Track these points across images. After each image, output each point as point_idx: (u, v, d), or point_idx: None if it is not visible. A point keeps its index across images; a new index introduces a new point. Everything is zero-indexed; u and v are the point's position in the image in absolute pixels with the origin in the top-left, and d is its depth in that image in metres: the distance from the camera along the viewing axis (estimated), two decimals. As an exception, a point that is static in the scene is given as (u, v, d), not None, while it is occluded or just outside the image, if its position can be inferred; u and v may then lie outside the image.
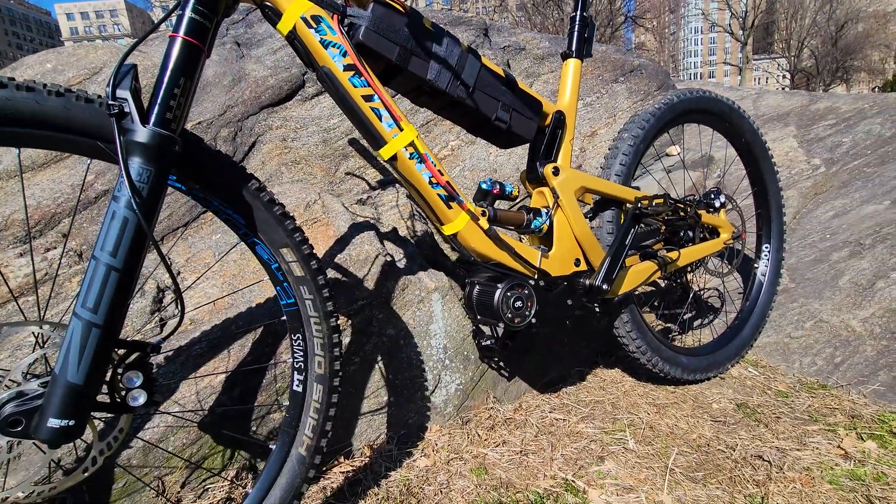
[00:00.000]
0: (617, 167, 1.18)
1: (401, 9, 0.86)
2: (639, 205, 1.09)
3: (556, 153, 1.08)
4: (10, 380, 0.62)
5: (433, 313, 1.27)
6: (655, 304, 1.78)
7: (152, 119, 0.62)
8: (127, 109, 0.61)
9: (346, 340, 1.15)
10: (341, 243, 1.27)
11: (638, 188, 2.07)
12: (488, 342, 1.20)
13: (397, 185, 1.59)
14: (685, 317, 1.68)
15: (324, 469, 1.08)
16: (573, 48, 1.12)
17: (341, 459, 1.11)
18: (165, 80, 0.63)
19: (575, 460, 1.11)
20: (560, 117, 1.06)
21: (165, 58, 0.64)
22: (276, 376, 1.06)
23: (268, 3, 0.78)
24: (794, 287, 1.64)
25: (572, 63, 1.12)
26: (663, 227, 1.24)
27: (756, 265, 1.55)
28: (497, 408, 1.30)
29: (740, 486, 1.01)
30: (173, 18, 0.66)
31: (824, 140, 2.52)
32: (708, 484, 1.02)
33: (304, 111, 1.65)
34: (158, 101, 0.63)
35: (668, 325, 1.68)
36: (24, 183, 1.17)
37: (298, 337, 0.83)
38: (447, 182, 0.91)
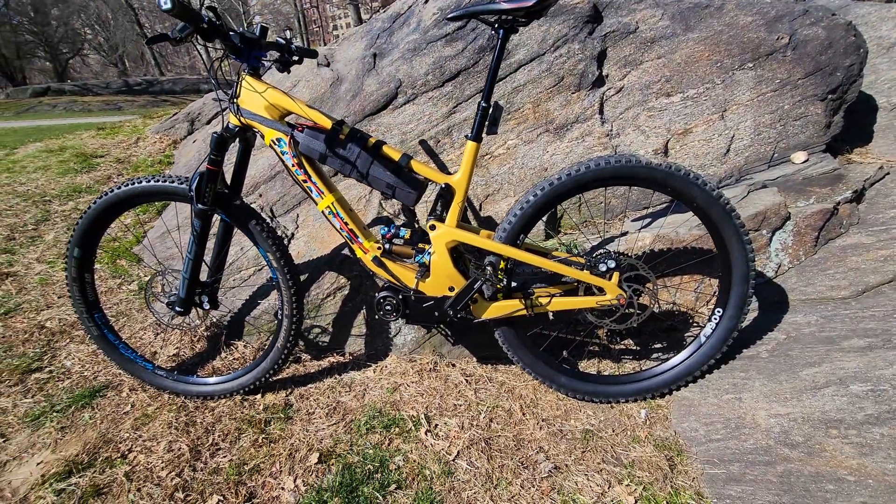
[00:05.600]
0: (504, 226, 1.47)
1: (325, 126, 1.45)
2: (482, 265, 1.42)
3: (442, 213, 1.49)
4: (173, 293, 1.68)
5: (402, 289, 1.91)
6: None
7: (200, 201, 1.50)
8: (192, 195, 1.50)
9: (345, 292, 1.95)
10: (362, 231, 1.99)
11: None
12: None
13: (432, 185, 2.13)
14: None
15: (322, 356, 1.99)
16: (473, 132, 1.42)
17: (335, 354, 1.99)
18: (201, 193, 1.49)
19: (441, 409, 1.69)
20: (446, 188, 1.46)
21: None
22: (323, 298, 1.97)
23: (259, 133, 1.51)
24: (765, 358, 1.50)
25: (468, 145, 1.43)
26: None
27: (703, 325, 1.51)
28: (436, 360, 1.92)
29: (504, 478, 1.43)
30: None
31: None
32: (492, 460, 1.47)
33: (391, 118, 2.28)
34: (200, 197, 1.49)
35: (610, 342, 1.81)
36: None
37: (280, 295, 1.68)
38: (350, 229, 1.53)
